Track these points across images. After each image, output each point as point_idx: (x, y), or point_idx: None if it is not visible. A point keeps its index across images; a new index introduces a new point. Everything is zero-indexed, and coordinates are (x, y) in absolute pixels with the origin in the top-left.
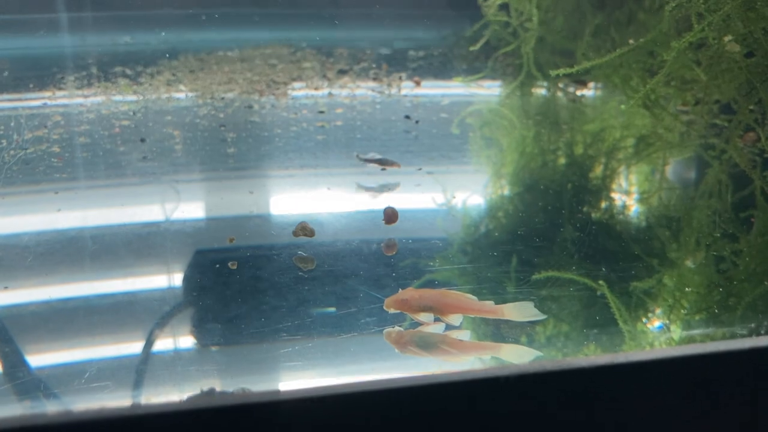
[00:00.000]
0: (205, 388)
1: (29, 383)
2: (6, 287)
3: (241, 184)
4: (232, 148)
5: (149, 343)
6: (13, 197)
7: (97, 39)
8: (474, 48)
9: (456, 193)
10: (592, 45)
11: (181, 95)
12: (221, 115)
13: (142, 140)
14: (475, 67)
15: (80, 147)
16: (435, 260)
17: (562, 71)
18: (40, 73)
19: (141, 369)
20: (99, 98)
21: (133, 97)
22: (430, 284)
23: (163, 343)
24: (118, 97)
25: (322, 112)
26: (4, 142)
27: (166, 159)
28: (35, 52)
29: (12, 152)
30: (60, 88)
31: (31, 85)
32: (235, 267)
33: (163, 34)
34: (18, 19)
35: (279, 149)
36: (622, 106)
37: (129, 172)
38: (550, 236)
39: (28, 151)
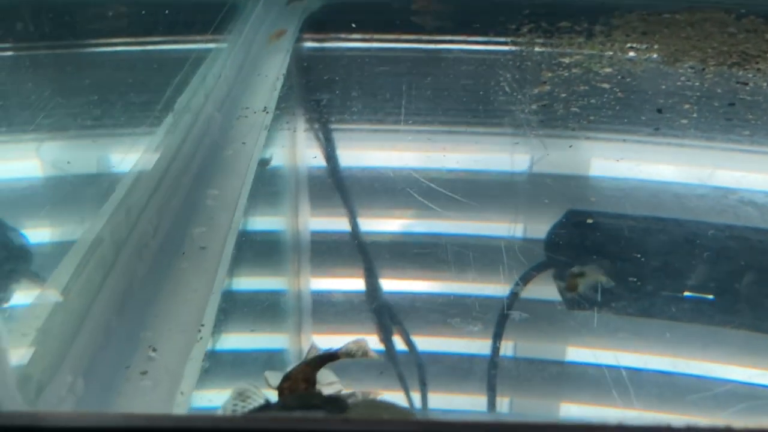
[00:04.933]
0: None
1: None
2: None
3: None
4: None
5: None
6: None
7: None
8: None
9: None
10: None
11: (645, 57)
12: (705, 86)
13: (659, 111)
14: None
15: (588, 104)
16: None
17: None
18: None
19: None
20: (567, 50)
21: (586, 52)
22: None
23: None
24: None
25: None
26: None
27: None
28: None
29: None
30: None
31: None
32: None
33: None
34: None
35: None
36: None
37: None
38: None
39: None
